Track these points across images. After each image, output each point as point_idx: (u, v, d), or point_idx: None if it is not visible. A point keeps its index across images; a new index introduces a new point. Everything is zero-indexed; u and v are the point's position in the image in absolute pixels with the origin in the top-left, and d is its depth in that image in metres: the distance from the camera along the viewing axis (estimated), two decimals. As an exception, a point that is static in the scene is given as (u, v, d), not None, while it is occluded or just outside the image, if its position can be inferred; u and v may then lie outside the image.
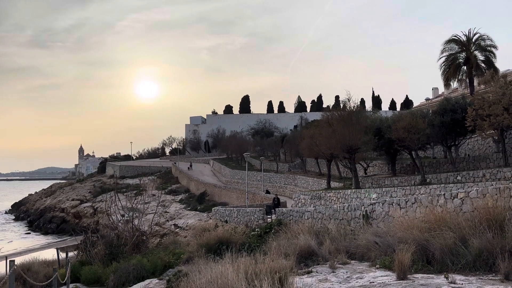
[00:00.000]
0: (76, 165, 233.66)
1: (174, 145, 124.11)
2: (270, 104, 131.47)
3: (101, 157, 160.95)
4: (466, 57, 37.82)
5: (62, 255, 25.27)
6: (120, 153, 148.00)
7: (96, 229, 39.47)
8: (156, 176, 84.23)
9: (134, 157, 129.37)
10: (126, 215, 25.45)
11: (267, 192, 47.69)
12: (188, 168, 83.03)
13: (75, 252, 23.43)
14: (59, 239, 57.47)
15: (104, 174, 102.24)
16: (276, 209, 25.90)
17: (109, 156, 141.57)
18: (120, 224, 24.31)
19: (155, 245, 27.66)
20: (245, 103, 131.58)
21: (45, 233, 65.11)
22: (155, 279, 14.12)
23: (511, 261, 8.01)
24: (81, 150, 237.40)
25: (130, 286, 14.38)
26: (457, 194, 12.17)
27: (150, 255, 18.52)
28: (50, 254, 31.83)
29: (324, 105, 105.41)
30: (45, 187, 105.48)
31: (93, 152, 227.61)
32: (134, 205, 26.53)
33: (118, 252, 19.28)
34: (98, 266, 17.80)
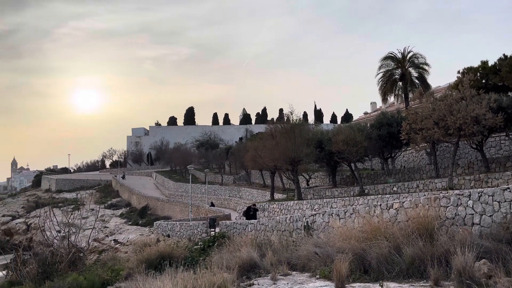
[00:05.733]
0: (8, 179, 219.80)
1: (115, 158, 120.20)
2: (215, 116, 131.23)
3: (36, 170, 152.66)
4: (401, 73, 39.81)
5: (-10, 275, 23.62)
6: (57, 166, 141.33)
7: (29, 246, 37.24)
8: (95, 190, 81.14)
9: (72, 170, 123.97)
10: (62, 231, 24.27)
11: (212, 204, 47.31)
12: (122, 177, 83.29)
13: (4, 272, 21.96)
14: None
15: (39, 188, 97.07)
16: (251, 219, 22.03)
17: (45, 169, 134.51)
18: (55, 240, 23.14)
19: (93, 262, 26.51)
20: (189, 114, 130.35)
21: (-29, 252, 60.53)
22: (92, 297, 13.53)
23: (440, 268, 8.45)
24: (14, 163, 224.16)
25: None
26: (393, 204, 12.67)
27: (87, 273, 17.74)
28: (-25, 275, 29.60)
29: (269, 118, 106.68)
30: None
31: (27, 165, 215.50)
32: (71, 220, 25.34)
33: (52, 271, 18.30)
34: (29, 286, 16.79)
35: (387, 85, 40.46)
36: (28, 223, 63.96)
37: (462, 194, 10.85)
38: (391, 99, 44.88)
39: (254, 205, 27.23)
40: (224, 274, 8.99)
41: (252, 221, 21.09)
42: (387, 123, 30.15)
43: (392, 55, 40.63)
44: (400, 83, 40.12)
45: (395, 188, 26.35)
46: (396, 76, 40.37)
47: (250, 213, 24.72)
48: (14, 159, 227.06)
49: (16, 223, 66.22)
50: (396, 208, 12.42)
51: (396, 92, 41.01)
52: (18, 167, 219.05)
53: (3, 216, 70.86)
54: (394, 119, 30.33)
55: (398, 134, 26.81)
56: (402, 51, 40.23)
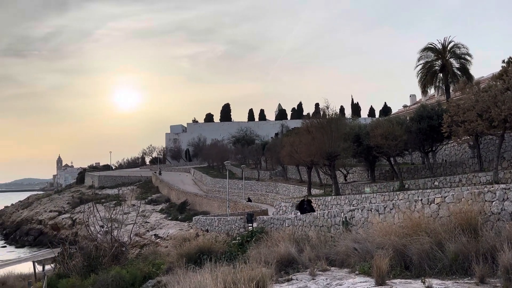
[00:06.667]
0: (54, 176, 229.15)
1: (154, 154, 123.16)
2: (251, 112, 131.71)
3: (80, 167, 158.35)
4: (442, 64, 38.54)
5: (39, 268, 24.75)
6: (99, 163, 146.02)
7: (74, 240, 38.71)
8: (136, 186, 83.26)
9: (113, 167, 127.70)
10: (105, 226, 25.07)
11: (249, 200, 47.60)
12: (159, 173, 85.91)
13: (53, 265, 22.93)
14: (36, 252, 56.14)
15: (83, 184, 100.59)
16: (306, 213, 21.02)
17: (88, 166, 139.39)
18: (99, 235, 23.91)
19: (135, 256, 27.27)
20: (226, 111, 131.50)
21: (22, 246, 63.54)
22: (135, 290, 13.93)
23: (485, 265, 8.17)
24: (59, 161, 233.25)
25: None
26: (434, 199, 12.35)
27: (129, 266, 18.25)
28: (26, 267, 31.13)
29: (305, 113, 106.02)
30: (22, 199, 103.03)
31: (71, 163, 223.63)
32: (113, 216, 26.14)
33: (96, 264, 18.92)
34: (76, 279, 17.44)
35: (427, 77, 39.30)
36: (73, 218, 66.48)
37: (509, 188, 10.43)
38: (431, 91, 43.57)
39: (306, 197, 26.49)
40: (263, 269, 9.03)
41: (290, 216, 21.09)
42: (427, 116, 29.33)
43: (432, 46, 39.39)
44: (441, 75, 38.87)
45: (436, 183, 25.64)
46: (436, 68, 39.14)
47: (304, 206, 23.76)
48: (59, 157, 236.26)
49: (62, 218, 69.00)
50: (437, 203, 12.09)
51: (437, 84, 39.78)
52: (63, 164, 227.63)
53: (51, 211, 74.01)
54: (435, 112, 29.47)
55: (439, 127, 26.04)
56: (443, 41, 38.91)
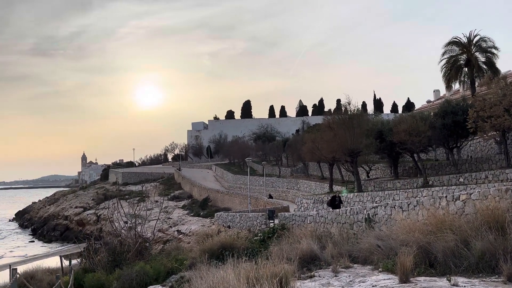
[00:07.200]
0: (79, 173, 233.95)
1: (177, 151, 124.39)
2: (271, 109, 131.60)
3: (104, 164, 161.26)
4: (467, 58, 37.69)
5: (66, 262, 25.34)
6: (122, 160, 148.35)
7: (99, 236, 39.41)
8: (159, 182, 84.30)
9: (136, 164, 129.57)
10: (129, 222, 25.46)
11: (270, 196, 47.68)
12: (179, 170, 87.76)
13: (78, 260, 23.43)
14: (62, 247, 57.50)
15: (107, 181, 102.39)
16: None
17: (112, 163, 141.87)
18: (123, 231, 24.31)
19: (158, 252, 27.62)
20: (246, 108, 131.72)
21: (49, 241, 65.15)
22: (158, 285, 14.16)
23: (513, 263, 7.98)
24: (84, 158, 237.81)
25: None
26: (459, 196, 12.14)
27: (153, 262, 18.49)
28: (53, 262, 31.89)
29: (326, 109, 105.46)
30: (48, 195, 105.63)
31: (95, 160, 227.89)
32: (137, 212, 26.53)
33: (121, 259, 19.25)
34: (101, 273, 17.78)
35: (451, 72, 38.50)
36: (98, 214, 67.75)
37: (538, 185, 10.17)
38: (456, 86, 42.69)
39: (338, 193, 26.71)
40: (285, 265, 9.04)
41: (311, 213, 21.04)
42: (452, 112, 28.78)
43: (456, 39, 38.55)
44: (466, 69, 38.03)
45: (461, 179, 25.16)
46: (461, 62, 38.29)
47: (336, 202, 24.09)
48: (84, 154, 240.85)
49: (87, 214, 70.40)
50: (463, 200, 11.88)
51: (462, 78, 38.94)
52: (88, 161, 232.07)
53: (76, 207, 75.60)
54: (460, 107, 28.90)
55: (464, 122, 25.54)
56: (468, 35, 38.01)
